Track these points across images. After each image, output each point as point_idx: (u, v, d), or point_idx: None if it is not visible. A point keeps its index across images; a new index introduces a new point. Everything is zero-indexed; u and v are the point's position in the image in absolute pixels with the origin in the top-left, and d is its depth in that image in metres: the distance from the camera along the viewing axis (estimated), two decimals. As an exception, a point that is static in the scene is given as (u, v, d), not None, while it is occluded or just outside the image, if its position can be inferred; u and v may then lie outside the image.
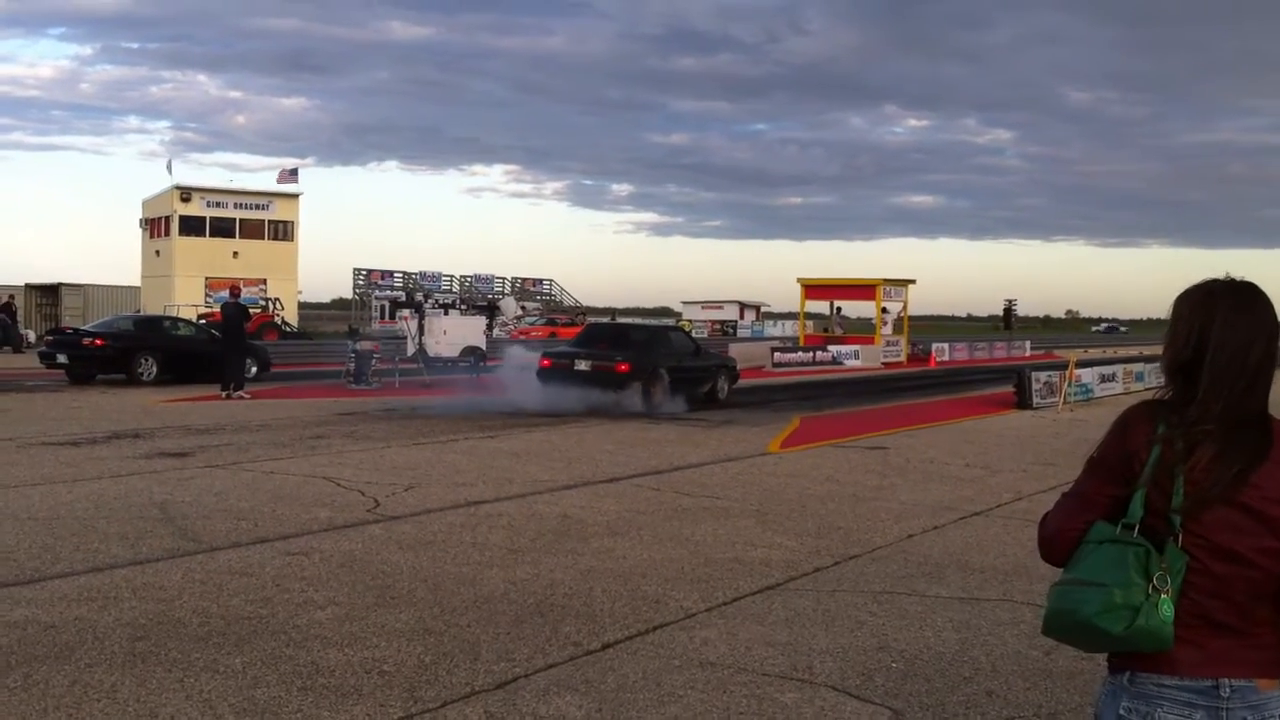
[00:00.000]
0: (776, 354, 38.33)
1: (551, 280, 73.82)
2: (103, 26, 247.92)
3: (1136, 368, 29.32)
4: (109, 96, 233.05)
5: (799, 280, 45.31)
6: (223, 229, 59.51)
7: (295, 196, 62.37)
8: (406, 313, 31.83)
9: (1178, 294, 2.40)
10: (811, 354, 39.85)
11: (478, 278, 68.62)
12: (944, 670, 5.77)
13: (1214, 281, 2.38)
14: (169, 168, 63.83)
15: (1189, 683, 2.24)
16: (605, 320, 44.20)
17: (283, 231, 61.69)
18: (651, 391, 19.94)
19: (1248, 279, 2.38)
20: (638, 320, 55.12)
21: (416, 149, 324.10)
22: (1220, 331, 2.29)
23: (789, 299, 56.27)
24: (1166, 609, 2.19)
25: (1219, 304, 2.32)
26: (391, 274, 64.86)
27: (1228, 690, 2.23)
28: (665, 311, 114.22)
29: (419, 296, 39.68)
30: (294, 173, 62.75)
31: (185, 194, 58.61)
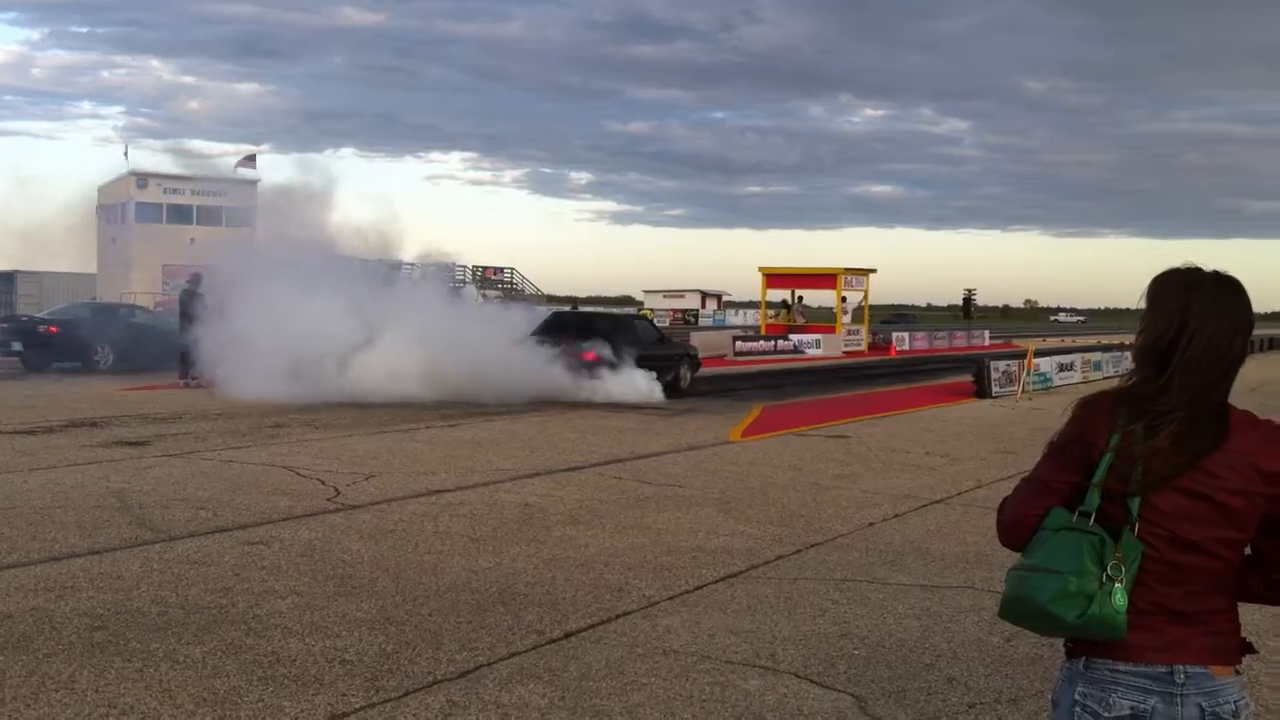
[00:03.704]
0: (738, 343, 38.43)
1: (513, 269, 73.51)
2: (52, 10, 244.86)
3: (1095, 357, 29.61)
4: (61, 81, 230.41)
5: (760, 269, 45.43)
6: (180, 216, 58.81)
7: (253, 183, 61.70)
8: None
9: (1154, 277, 2.37)
10: (773, 343, 39.99)
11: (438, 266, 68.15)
12: (906, 657, 5.82)
13: (1197, 270, 2.36)
14: (125, 154, 63.03)
15: (1144, 669, 2.26)
16: (568, 309, 44.16)
17: (240, 219, 61.04)
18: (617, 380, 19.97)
19: (1228, 272, 2.36)
20: (601, 309, 54.98)
21: (373, 136, 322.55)
22: (1201, 321, 2.27)
23: (750, 288, 56.33)
24: (1120, 598, 2.20)
25: (1204, 294, 2.30)
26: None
27: (1182, 677, 2.25)
28: (627, 300, 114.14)
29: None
30: (251, 159, 62.14)
31: (142, 180, 57.83)
